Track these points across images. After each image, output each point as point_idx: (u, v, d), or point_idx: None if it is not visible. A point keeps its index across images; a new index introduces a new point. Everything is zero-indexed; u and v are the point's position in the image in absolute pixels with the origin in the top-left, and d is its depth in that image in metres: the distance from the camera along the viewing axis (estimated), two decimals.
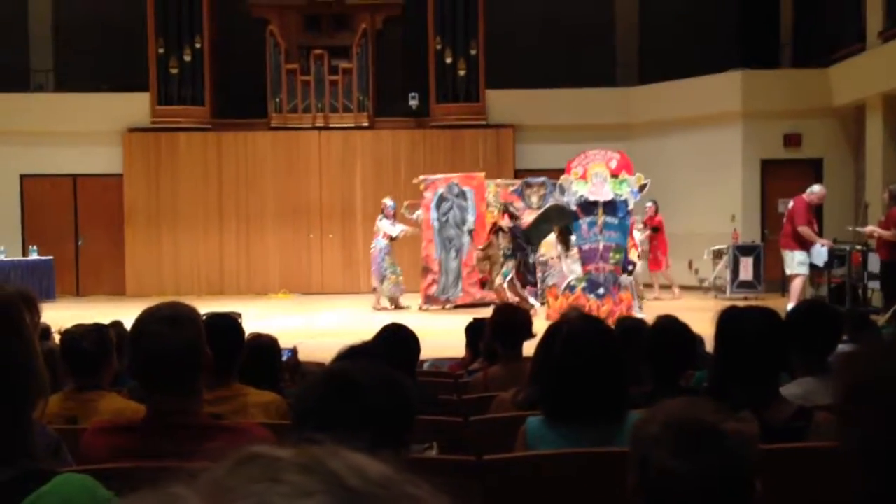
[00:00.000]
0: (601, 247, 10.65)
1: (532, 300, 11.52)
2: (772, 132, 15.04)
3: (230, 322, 3.18)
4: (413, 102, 16.17)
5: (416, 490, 0.56)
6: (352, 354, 2.84)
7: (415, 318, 11.45)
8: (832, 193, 12.40)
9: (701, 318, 3.80)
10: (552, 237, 12.55)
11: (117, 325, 3.99)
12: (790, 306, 4.00)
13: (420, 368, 4.91)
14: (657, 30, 16.74)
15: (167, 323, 2.08)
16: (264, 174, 15.27)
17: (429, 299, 13.06)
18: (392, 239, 12.84)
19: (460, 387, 4.34)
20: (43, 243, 15.42)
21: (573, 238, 11.52)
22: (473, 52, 15.99)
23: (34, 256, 14.90)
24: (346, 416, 1.40)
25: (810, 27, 15.74)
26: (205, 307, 2.31)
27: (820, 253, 10.70)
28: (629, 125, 16.44)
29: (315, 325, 11.43)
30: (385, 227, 12.89)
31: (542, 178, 13.33)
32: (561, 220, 11.19)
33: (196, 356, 2.11)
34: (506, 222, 11.60)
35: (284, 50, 15.90)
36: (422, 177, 13.38)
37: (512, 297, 11.30)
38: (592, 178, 10.73)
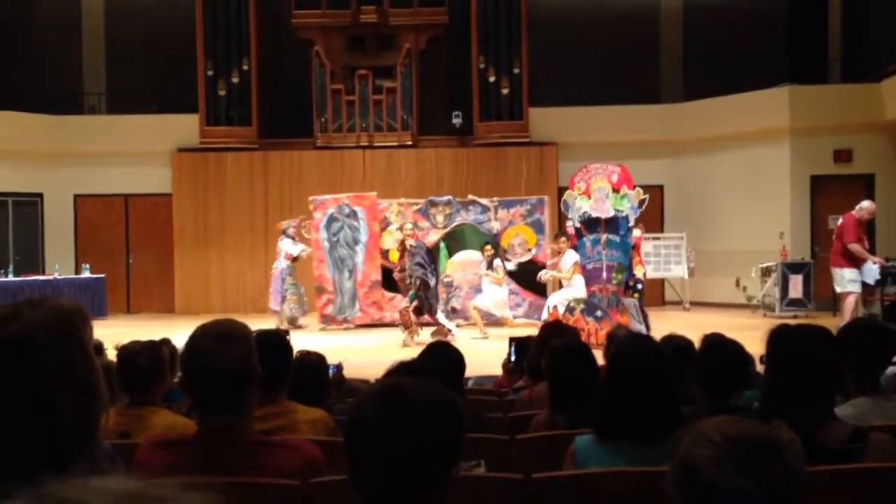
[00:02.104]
0: (604, 266, 10.49)
1: (448, 324, 11.27)
2: (821, 148, 14.81)
3: (279, 339, 3.21)
4: (456, 121, 16.24)
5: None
6: (402, 371, 2.85)
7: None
8: (883, 209, 12.16)
9: (749, 336, 3.75)
10: (463, 257, 12.51)
11: (167, 342, 4.05)
12: (842, 324, 3.93)
13: (465, 386, 4.90)
14: (702, 45, 16.61)
15: (219, 340, 2.11)
16: (309, 193, 15.41)
17: (326, 319, 13.09)
18: (294, 259, 12.80)
19: (505, 405, 4.32)
20: (95, 262, 15.75)
21: (499, 263, 11.52)
22: (516, 70, 16.01)
23: (87, 274, 15.21)
24: (399, 431, 1.41)
25: (859, 41, 15.49)
26: (252, 325, 2.34)
27: (871, 270, 10.45)
28: (674, 142, 16.32)
29: (358, 343, 11.47)
30: (286, 247, 12.86)
31: (447, 197, 13.35)
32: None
33: (247, 373, 2.13)
34: (413, 242, 11.14)
35: (329, 70, 16.09)
36: (311, 197, 13.46)
37: (415, 322, 11.03)
38: (595, 193, 10.56)
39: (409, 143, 16.15)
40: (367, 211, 13.28)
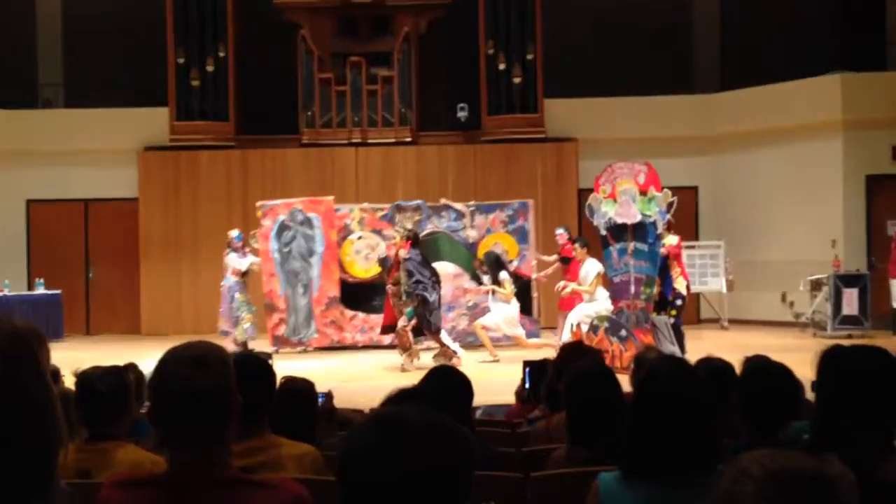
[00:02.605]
0: (632, 279, 10.49)
1: (452, 345, 11.27)
2: (878, 144, 14.81)
3: (261, 364, 3.21)
4: (462, 114, 16.28)
5: None
6: (401, 399, 2.85)
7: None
8: None
9: (798, 358, 3.74)
10: (446, 270, 12.51)
11: (133, 367, 4.05)
12: None
13: (473, 416, 4.90)
14: (741, 28, 16.65)
15: (193, 364, 2.11)
16: (295, 196, 15.44)
17: (278, 341, 13.04)
18: (243, 275, 12.70)
19: (520, 438, 4.31)
20: (50, 276, 15.75)
21: (505, 275, 11.64)
22: (530, 56, 16.06)
23: (41, 291, 15.23)
24: (397, 464, 1.41)
25: None
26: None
27: None
28: (710, 138, 16.34)
29: (350, 368, 11.47)
30: (233, 261, 12.73)
31: (416, 202, 13.33)
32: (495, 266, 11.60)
33: (225, 402, 2.13)
34: (405, 252, 11.01)
35: (317, 57, 16.15)
36: (260, 203, 13.46)
37: (413, 343, 11.01)
38: (620, 196, 10.58)
39: (409, 139, 16.18)
40: (324, 217, 13.28)
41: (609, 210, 10.69)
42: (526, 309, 12.74)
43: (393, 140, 16.18)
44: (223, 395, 2.13)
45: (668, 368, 2.53)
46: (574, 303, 12.07)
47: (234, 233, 12.87)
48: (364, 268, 13.41)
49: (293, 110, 16.25)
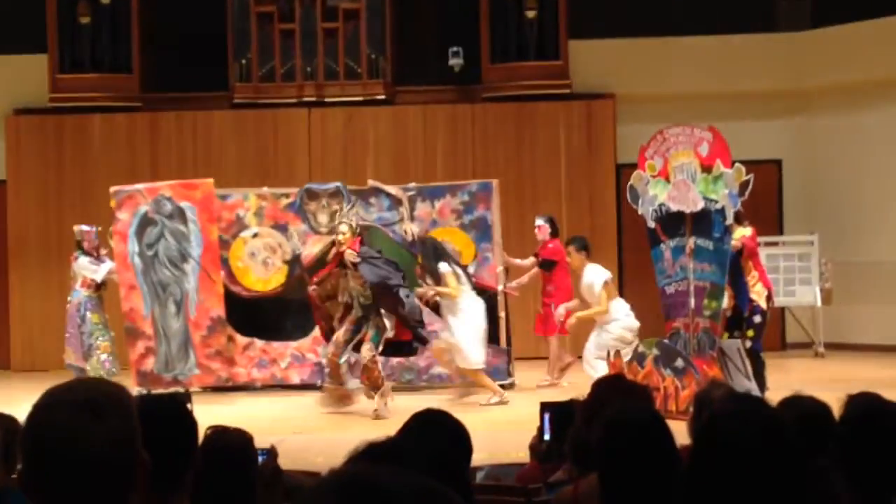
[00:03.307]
0: (692, 288, 10.53)
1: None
2: None
3: (175, 408, 3.21)
4: (455, 62, 16.27)
5: None
6: (371, 455, 2.85)
7: None
8: None
9: None
10: None
11: (4, 418, 4.05)
12: None
13: (472, 480, 4.90)
14: None
15: (82, 411, 2.11)
16: (225, 175, 15.40)
17: (145, 378, 12.75)
18: (99, 287, 12.68)
19: None
20: None
21: (445, 267, 11.73)
22: None
23: None
24: None
25: None
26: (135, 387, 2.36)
27: None
28: (798, 93, 16.36)
29: (301, 414, 11.46)
30: (84, 268, 12.70)
31: (333, 185, 13.12)
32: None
33: (125, 463, 2.13)
34: (351, 256, 11.13)
35: None
36: (114, 188, 13.19)
37: (380, 377, 11.17)
38: (675, 174, 10.63)
39: (382, 96, 16.17)
40: (201, 208, 12.99)
41: (660, 193, 10.70)
42: (491, 335, 12.42)
43: (360, 98, 16.16)
44: (123, 452, 2.12)
45: (739, 412, 2.54)
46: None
47: (85, 227, 12.78)
48: (262, 277, 13.12)
49: (221, 58, 16.22)
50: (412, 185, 13.34)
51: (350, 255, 11.12)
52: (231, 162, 15.96)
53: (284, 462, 5.86)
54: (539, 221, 12.76)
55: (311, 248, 12.48)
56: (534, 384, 12.50)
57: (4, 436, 3.64)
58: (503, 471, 6.18)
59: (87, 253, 12.70)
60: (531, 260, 12.89)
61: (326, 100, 16.20)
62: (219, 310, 12.92)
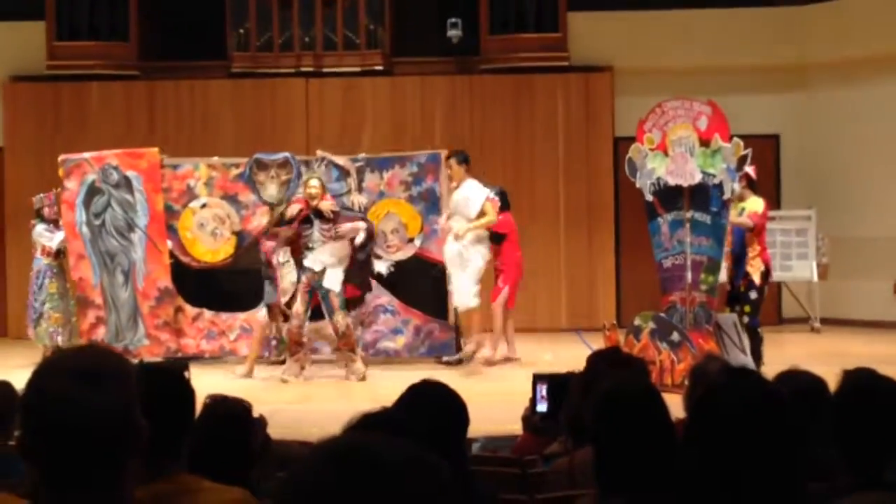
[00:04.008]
0: (688, 262, 10.53)
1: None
2: None
3: (173, 377, 3.22)
4: (454, 33, 16.23)
5: None
6: (368, 426, 2.86)
7: None
8: None
9: None
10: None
11: (1, 385, 4.06)
12: None
13: (469, 451, 4.93)
14: None
15: (81, 379, 2.11)
16: (222, 144, 15.38)
17: None
18: (57, 255, 12.72)
19: (532, 481, 4.34)
20: None
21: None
22: None
23: None
24: None
25: None
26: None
27: None
28: (797, 67, 16.33)
29: (295, 383, 11.48)
30: (39, 234, 12.75)
31: (282, 155, 12.96)
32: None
33: (125, 430, 2.14)
34: (329, 205, 11.58)
35: None
36: (62, 156, 13.14)
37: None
38: (673, 147, 10.62)
39: (380, 67, 16.14)
40: (146, 177, 12.88)
41: (658, 167, 10.70)
42: (437, 310, 12.48)
43: (358, 69, 16.13)
44: (122, 420, 2.13)
45: (735, 386, 2.55)
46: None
47: (44, 194, 12.84)
48: (210, 248, 12.93)
49: (219, 27, 16.18)
50: (361, 156, 13.17)
51: (328, 205, 11.47)
52: (228, 131, 15.95)
53: (280, 432, 5.89)
54: (489, 193, 12.44)
55: (261, 220, 12.51)
56: (532, 357, 12.44)
57: (2, 402, 3.65)
58: (498, 443, 6.21)
59: (45, 220, 12.68)
60: None
61: (324, 70, 16.17)
62: (166, 280, 12.85)
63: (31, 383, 2.17)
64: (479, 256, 11.80)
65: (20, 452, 2.24)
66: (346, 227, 11.53)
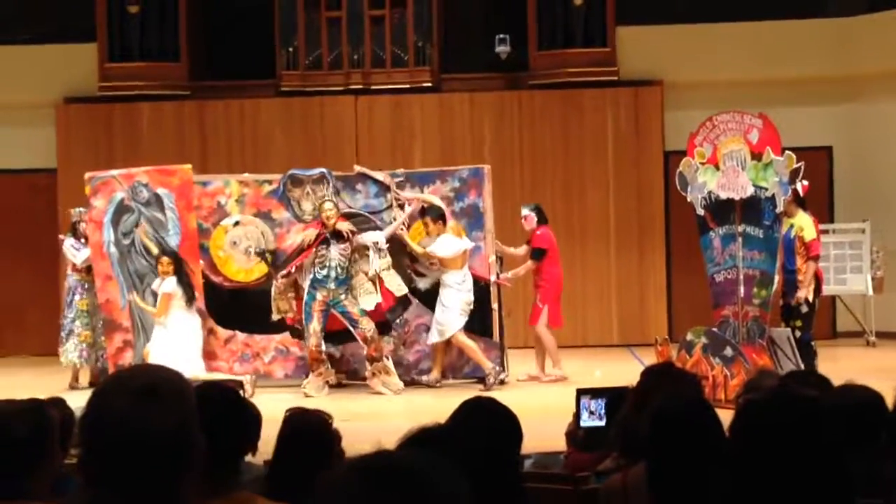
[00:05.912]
0: (741, 276, 10.46)
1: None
2: None
3: (229, 396, 3.25)
4: (502, 49, 16.25)
5: None
6: (422, 441, 2.87)
7: None
8: None
9: None
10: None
11: (57, 402, 4.11)
12: None
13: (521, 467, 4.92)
14: None
15: (140, 397, 2.13)
16: (272, 161, 15.46)
17: None
18: (88, 270, 12.57)
19: (585, 497, 4.33)
20: None
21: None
22: None
23: None
24: None
25: None
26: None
27: None
28: (851, 79, 16.20)
29: (353, 401, 11.50)
30: (66, 250, 12.71)
31: (319, 170, 12.67)
32: None
33: (183, 448, 2.16)
34: (347, 226, 11.90)
35: None
36: (89, 174, 12.81)
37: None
38: (725, 161, 10.56)
39: (429, 84, 16.17)
40: (179, 195, 12.51)
41: (709, 180, 10.67)
42: (483, 328, 12.33)
43: (407, 85, 16.17)
44: (181, 438, 2.15)
45: (779, 402, 2.54)
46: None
47: (82, 210, 12.75)
48: (244, 267, 12.53)
49: (268, 46, 16.27)
50: (401, 171, 12.91)
51: (346, 226, 11.79)
52: (279, 150, 16.02)
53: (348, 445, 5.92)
54: (525, 211, 12.44)
55: (296, 238, 12.36)
56: (582, 374, 12.36)
57: (61, 420, 3.69)
58: (551, 459, 6.20)
59: (76, 235, 12.72)
60: (524, 248, 12.68)
61: (373, 87, 16.22)
62: (198, 301, 12.38)
63: (92, 402, 2.20)
64: (455, 294, 11.87)
65: (79, 470, 2.27)
66: (359, 238, 11.91)
